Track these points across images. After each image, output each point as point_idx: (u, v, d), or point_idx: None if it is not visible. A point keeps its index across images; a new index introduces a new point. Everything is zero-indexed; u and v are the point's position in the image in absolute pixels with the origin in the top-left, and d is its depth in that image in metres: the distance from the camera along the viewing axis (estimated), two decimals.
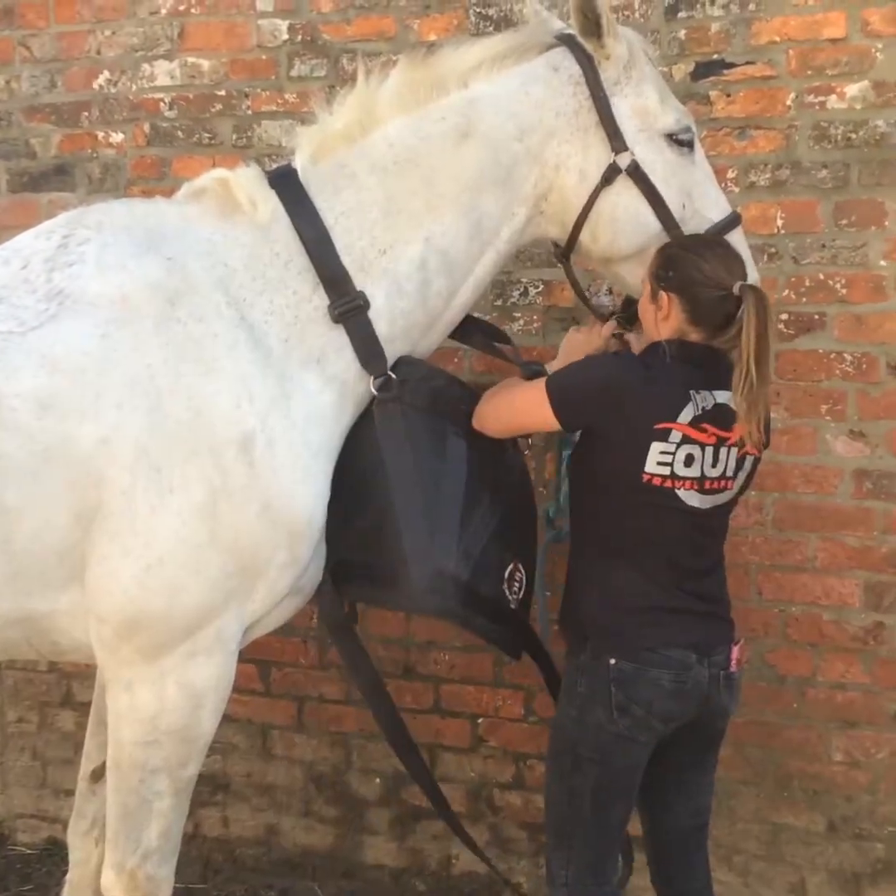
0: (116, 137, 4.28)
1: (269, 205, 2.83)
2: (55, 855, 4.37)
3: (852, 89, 3.52)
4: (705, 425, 2.78)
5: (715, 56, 3.65)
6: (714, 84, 3.66)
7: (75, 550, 2.61)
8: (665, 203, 2.88)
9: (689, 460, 2.77)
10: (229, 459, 2.61)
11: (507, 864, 4.00)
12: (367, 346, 2.83)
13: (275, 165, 3.12)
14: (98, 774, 3.09)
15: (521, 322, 3.93)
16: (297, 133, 2.99)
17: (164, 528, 2.57)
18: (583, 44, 2.88)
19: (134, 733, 2.70)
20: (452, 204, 2.87)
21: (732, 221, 2.97)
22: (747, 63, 3.62)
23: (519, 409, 2.90)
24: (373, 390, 2.84)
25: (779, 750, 3.74)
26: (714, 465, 2.80)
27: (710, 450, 2.79)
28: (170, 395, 2.60)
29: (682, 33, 3.67)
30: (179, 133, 4.20)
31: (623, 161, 2.86)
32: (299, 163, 2.90)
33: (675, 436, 2.76)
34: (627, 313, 3.06)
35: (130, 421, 2.57)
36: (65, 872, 3.27)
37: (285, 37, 4.06)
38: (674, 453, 2.76)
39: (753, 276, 3.00)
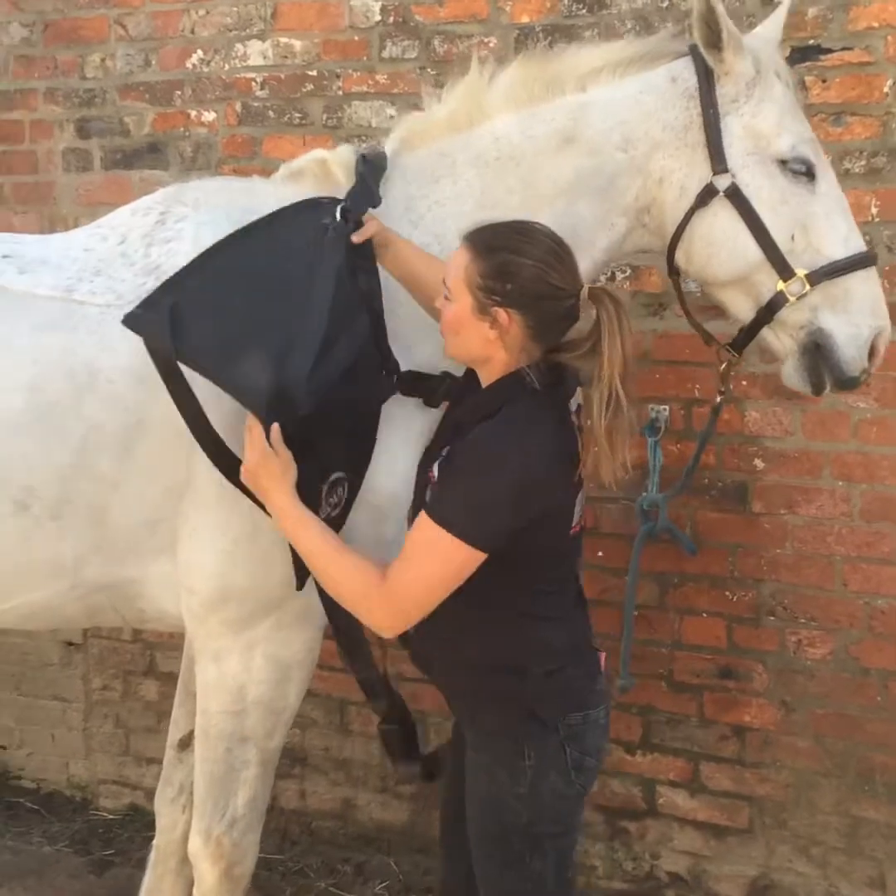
0: (208, 116, 4.33)
1: None
2: (136, 821, 4.48)
3: None
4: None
5: (811, 41, 3.58)
6: (809, 70, 3.58)
7: (166, 522, 2.66)
8: (767, 231, 2.71)
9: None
10: None
11: (582, 847, 4.00)
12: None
13: (364, 146, 3.13)
14: (185, 743, 3.15)
15: None
16: (400, 120, 2.98)
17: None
18: (704, 56, 2.76)
19: (221, 703, 2.75)
20: (548, 206, 2.79)
21: (860, 261, 2.73)
22: (844, 49, 3.55)
23: (425, 572, 2.35)
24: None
25: (861, 743, 3.69)
26: None
27: None
28: None
29: None
30: (270, 113, 4.23)
31: (721, 183, 2.73)
32: (391, 147, 2.90)
33: (581, 473, 2.42)
34: (734, 342, 2.89)
35: (222, 394, 2.58)
36: (146, 838, 3.35)
37: (378, 18, 4.06)
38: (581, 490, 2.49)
39: (888, 330, 2.77)
